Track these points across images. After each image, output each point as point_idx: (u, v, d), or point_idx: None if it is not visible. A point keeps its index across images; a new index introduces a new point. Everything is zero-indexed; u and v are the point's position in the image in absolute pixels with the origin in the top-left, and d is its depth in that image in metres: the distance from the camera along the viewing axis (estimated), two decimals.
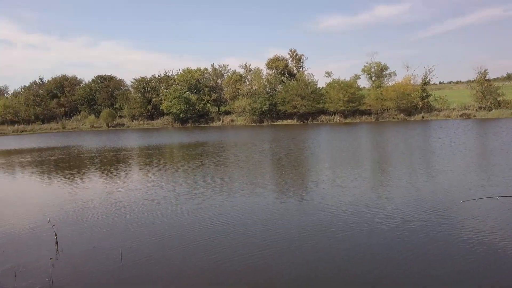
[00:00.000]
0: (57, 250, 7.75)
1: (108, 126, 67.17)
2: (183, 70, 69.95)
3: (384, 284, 5.97)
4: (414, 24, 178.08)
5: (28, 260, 7.33)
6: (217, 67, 70.47)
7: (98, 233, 8.80)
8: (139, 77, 71.94)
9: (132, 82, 73.23)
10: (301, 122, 57.26)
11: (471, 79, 55.18)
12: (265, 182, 14.05)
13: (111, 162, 21.94)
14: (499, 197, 8.74)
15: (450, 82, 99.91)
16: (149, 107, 69.36)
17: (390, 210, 9.74)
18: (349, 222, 8.95)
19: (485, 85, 50.95)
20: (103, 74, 78.63)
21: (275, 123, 58.71)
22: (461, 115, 49.59)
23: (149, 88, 71.37)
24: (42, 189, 14.98)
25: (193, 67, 75.78)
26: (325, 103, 57.63)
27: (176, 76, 70.26)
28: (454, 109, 51.76)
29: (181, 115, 63.35)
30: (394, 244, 7.49)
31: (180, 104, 62.63)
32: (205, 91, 67.36)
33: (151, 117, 70.28)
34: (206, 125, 63.35)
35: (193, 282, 6.35)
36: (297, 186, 13.55)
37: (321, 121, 56.76)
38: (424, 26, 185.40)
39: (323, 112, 57.79)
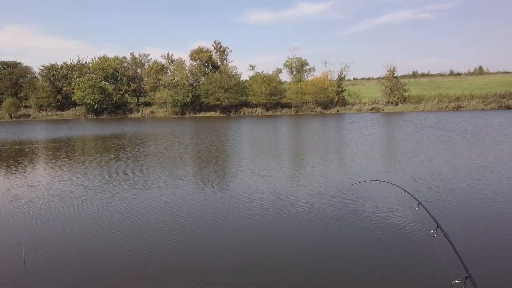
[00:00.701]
0: None
1: (11, 117, 60.71)
2: (99, 58, 65.60)
3: (296, 264, 6.08)
4: (335, 23, 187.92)
5: None
6: (137, 56, 67.32)
7: None
8: (49, 64, 65.92)
9: (40, 69, 66.87)
10: (224, 115, 57.24)
11: (381, 76, 59.70)
12: (184, 174, 13.69)
13: (12, 156, 19.75)
14: (380, 181, 9.69)
15: (363, 79, 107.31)
16: (59, 97, 64.03)
17: (302, 197, 10.06)
18: (264, 208, 9.05)
19: (393, 81, 55.54)
20: (7, 60, 70.61)
21: (197, 115, 57.91)
22: (371, 109, 53.50)
23: (59, 77, 65.80)
24: None
25: (111, 55, 71.41)
26: (248, 96, 58.23)
27: (91, 64, 65.63)
28: (365, 103, 55.65)
29: (95, 106, 59.51)
30: (303, 227, 7.72)
31: (95, 94, 58.78)
32: (124, 80, 63.99)
33: (61, 107, 64.98)
34: (124, 116, 60.30)
35: (104, 280, 5.88)
36: (216, 176, 13.40)
37: (243, 113, 57.30)
38: (345, 25, 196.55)
39: (246, 104, 58.38)
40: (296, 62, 62.86)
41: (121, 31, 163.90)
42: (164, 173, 13.80)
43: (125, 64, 66.63)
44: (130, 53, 67.96)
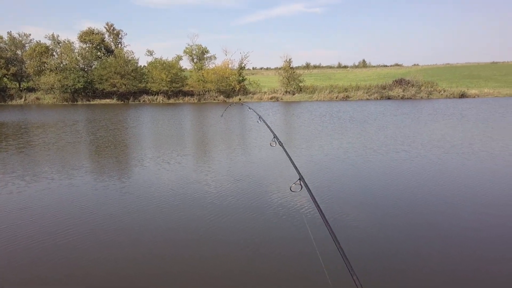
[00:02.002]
0: None
1: None
2: None
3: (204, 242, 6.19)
4: (232, 11, 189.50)
5: None
6: (16, 36, 59.45)
7: None
8: None
9: None
10: (122, 102, 54.08)
11: (279, 67, 62.32)
12: (80, 164, 12.73)
13: None
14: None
15: (261, 68, 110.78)
16: None
17: (207, 182, 10.19)
18: (174, 198, 8.95)
19: (290, 72, 58.41)
20: None
21: (91, 102, 53.71)
22: (271, 98, 55.71)
23: None
24: None
25: None
26: (147, 83, 55.79)
27: None
28: (265, 92, 57.68)
29: None
30: (207, 210, 7.88)
31: None
32: (1, 63, 56.07)
33: None
34: (3, 103, 53.07)
35: None
36: (117, 166, 12.74)
37: (143, 101, 54.82)
38: (240, 14, 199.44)
39: (146, 92, 55.89)
40: (197, 49, 62.09)
41: None
42: (57, 164, 12.65)
43: (1, 45, 58.37)
44: (7, 32, 59.70)
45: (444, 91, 52.83)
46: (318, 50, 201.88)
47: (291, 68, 59.07)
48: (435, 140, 16.57)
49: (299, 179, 3.37)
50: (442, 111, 31.44)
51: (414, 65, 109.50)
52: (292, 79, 57.74)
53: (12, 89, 57.03)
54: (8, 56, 57.82)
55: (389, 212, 7.80)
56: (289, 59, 59.35)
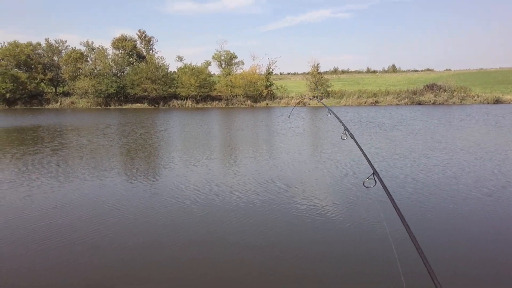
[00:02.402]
0: None
1: None
2: (9, 44, 59.42)
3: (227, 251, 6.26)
4: (259, 18, 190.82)
5: None
6: (53, 42, 62.17)
7: None
8: None
9: None
10: (152, 106, 55.42)
11: (306, 72, 62.13)
12: (111, 166, 13.14)
13: None
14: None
15: (289, 73, 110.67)
16: None
17: (239, 188, 10.28)
18: (200, 200, 9.10)
19: (317, 77, 58.10)
20: None
21: (123, 107, 55.33)
22: (298, 103, 55.56)
23: None
24: None
25: (22, 41, 65.06)
26: (177, 88, 56.93)
27: None
28: (292, 97, 57.59)
29: (7, 95, 53.99)
30: (239, 215, 7.94)
31: (6, 82, 53.28)
32: (39, 69, 58.76)
33: None
34: (40, 107, 55.55)
35: (27, 273, 5.51)
36: (146, 168, 13.08)
37: (173, 105, 55.98)
38: (268, 21, 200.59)
39: (175, 96, 57.06)
40: (225, 55, 62.85)
41: (32, 16, 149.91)
42: (89, 165, 13.12)
43: (39, 51, 61.18)
44: (45, 39, 62.50)
45: (478, 96, 50.99)
46: (346, 55, 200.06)
47: (318, 73, 58.76)
48: (467, 147, 16.03)
49: (373, 173, 3.09)
50: (476, 117, 30.36)
51: (446, 70, 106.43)
52: (320, 84, 57.39)
53: (49, 93, 59.57)
54: (45, 62, 60.56)
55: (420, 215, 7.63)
56: (317, 64, 59.07)
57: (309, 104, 54.75)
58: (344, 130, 4.58)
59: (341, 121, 5.18)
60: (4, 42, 61.41)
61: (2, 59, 57.69)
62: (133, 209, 8.39)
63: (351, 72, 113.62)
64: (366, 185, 3.04)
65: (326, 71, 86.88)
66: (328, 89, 57.57)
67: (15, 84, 54.09)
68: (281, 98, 57.67)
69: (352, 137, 4.27)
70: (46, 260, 5.98)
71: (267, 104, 56.02)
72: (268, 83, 58.92)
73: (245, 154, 15.46)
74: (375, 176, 3.07)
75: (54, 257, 6.05)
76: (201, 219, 7.73)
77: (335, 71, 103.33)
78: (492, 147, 15.81)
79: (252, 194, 9.44)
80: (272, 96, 58.33)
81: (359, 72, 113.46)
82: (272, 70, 62.24)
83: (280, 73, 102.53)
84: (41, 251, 6.27)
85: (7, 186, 10.28)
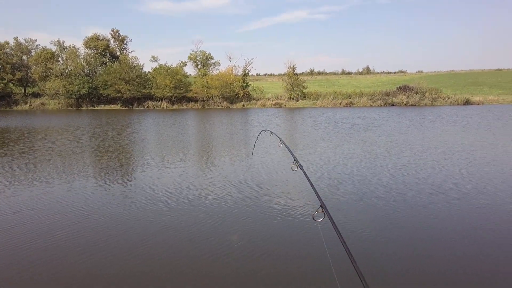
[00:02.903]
0: None
1: None
2: None
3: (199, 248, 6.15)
4: (237, 18, 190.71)
5: None
6: (22, 41, 60.18)
7: None
8: None
9: None
10: (126, 108, 54.39)
11: (283, 73, 62.46)
12: (80, 168, 12.76)
13: None
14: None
15: (265, 75, 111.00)
16: None
17: (210, 190, 10.16)
18: (172, 202, 8.93)
19: (294, 78, 58.47)
20: None
21: (96, 108, 54.06)
22: (275, 104, 55.76)
23: None
24: None
25: None
26: (151, 89, 56.10)
27: None
28: (269, 98, 57.74)
29: None
30: (211, 214, 7.83)
31: None
32: (7, 69, 56.68)
33: None
34: (8, 108, 53.58)
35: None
36: (118, 171, 12.75)
37: (147, 107, 55.10)
38: (245, 21, 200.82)
39: (150, 98, 56.18)
40: (201, 56, 62.47)
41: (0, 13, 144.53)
42: (60, 168, 12.69)
43: (7, 50, 59.08)
44: (14, 38, 60.42)
45: (448, 98, 52.61)
46: (322, 56, 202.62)
47: (295, 74, 59.14)
48: (435, 147, 16.46)
49: (321, 206, 3.07)
50: (445, 118, 31.28)
51: (418, 71, 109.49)
52: (296, 85, 57.77)
53: (18, 94, 57.59)
54: (14, 61, 58.52)
55: (391, 215, 7.72)
56: (293, 66, 59.48)
57: (285, 105, 55.03)
58: (294, 161, 4.68)
59: (292, 153, 5.16)
60: None
61: None
62: (103, 211, 8.14)
63: (326, 73, 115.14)
64: (315, 218, 3.03)
65: (302, 73, 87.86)
66: (304, 91, 58.03)
67: None
68: (258, 100, 57.72)
69: (301, 168, 4.38)
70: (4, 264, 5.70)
71: (243, 106, 55.95)
72: (244, 84, 58.87)
73: (218, 156, 15.33)
74: (323, 209, 3.05)
75: (15, 262, 5.77)
76: (172, 221, 7.57)
77: (311, 73, 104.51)
78: (460, 147, 16.29)
79: (223, 196, 9.35)
80: (249, 97, 58.32)
81: (334, 73, 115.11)
82: (249, 71, 62.26)
83: (257, 74, 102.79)
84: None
85: None
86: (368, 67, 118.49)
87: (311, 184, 3.74)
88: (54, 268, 5.72)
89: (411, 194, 9.47)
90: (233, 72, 60.01)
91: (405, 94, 52.88)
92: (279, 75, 75.23)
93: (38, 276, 5.49)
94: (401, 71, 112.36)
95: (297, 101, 56.64)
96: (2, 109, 53.05)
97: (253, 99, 58.19)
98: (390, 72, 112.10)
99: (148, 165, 13.29)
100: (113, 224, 7.50)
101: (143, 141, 20.05)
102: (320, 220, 3.02)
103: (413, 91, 53.44)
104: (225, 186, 10.27)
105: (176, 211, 8.26)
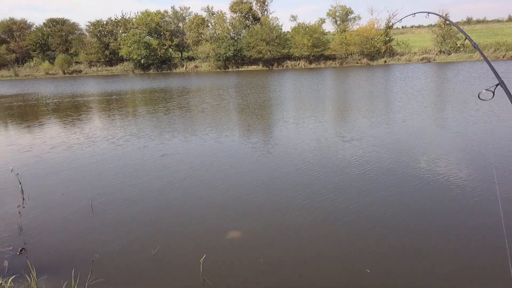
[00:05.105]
0: (23, 199, 7.37)
1: (64, 73, 63.69)
2: (142, 13, 66.11)
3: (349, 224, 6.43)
4: None
5: None
6: (178, 9, 67.14)
7: (63, 180, 8.59)
8: (94, 20, 67.46)
9: (87, 25, 68.68)
10: (267, 68, 56.74)
11: (433, 24, 55.90)
12: (231, 125, 14.19)
13: (70, 108, 21.17)
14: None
15: (412, 27, 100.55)
16: (107, 53, 65.86)
17: (352, 152, 10.23)
18: (315, 163, 9.36)
19: (445, 29, 51.85)
20: (56, 17, 72.86)
21: (240, 69, 57.85)
22: (422, 59, 50.77)
23: (105, 32, 67.33)
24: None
25: (153, 9, 71.62)
26: (290, 48, 56.94)
27: (134, 20, 66.43)
28: (415, 53, 52.77)
29: (142, 61, 60.87)
30: (357, 183, 7.98)
31: (141, 49, 59.91)
32: (166, 35, 64.46)
33: (110, 63, 67.01)
34: (169, 71, 61.47)
35: (164, 224, 6.56)
36: (261, 126, 13.76)
37: (286, 66, 56.44)
38: None
39: (289, 57, 57.27)
40: (340, 11, 60.01)
41: None
42: (212, 124, 14.40)
43: (167, 19, 66.80)
44: (171, 7, 67.85)
45: None
46: (483, 2, 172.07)
47: (447, 24, 52.20)
48: None
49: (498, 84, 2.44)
50: None
51: None
52: (448, 37, 51.18)
53: (176, 58, 65.25)
54: (172, 28, 65.98)
55: None
56: (446, 14, 52.46)
57: (434, 60, 49.61)
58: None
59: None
60: (137, 12, 68.63)
61: (137, 28, 64.63)
62: (244, 161, 9.05)
63: (488, 21, 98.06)
64: (481, 97, 2.58)
65: (458, 22, 76.94)
66: (458, 42, 51.06)
67: (148, 51, 60.45)
68: (402, 55, 53.37)
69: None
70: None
71: (385, 62, 52.56)
72: (387, 39, 54.78)
73: (359, 116, 15.06)
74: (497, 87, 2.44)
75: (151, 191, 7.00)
76: (314, 180, 7.96)
77: (468, 21, 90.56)
78: None
79: (367, 157, 9.31)
80: (392, 53, 54.33)
81: (498, 21, 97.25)
82: (393, 24, 57.45)
83: (402, 27, 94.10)
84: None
85: (146, 140, 11.98)
86: None
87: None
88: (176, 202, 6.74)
89: None
90: (375, 26, 56.30)
91: None
92: (429, 26, 67.43)
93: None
94: None
95: (449, 54, 50.49)
96: (164, 71, 61.12)
97: (397, 54, 53.98)
98: None
99: (289, 122, 13.90)
100: (252, 176, 8.27)
101: (284, 99, 20.91)
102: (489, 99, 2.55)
103: None
104: (367, 147, 10.17)
105: (319, 170, 8.62)
